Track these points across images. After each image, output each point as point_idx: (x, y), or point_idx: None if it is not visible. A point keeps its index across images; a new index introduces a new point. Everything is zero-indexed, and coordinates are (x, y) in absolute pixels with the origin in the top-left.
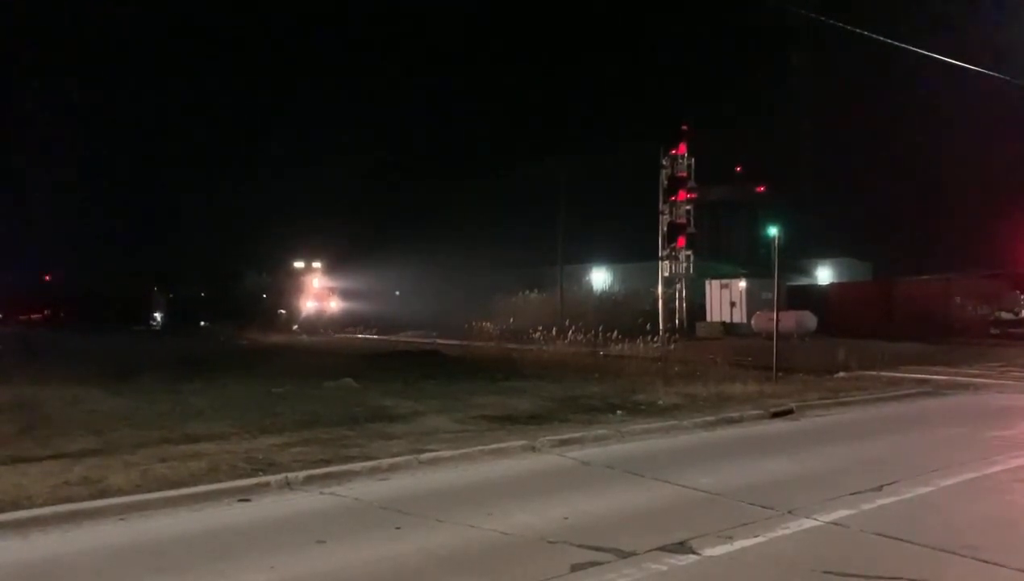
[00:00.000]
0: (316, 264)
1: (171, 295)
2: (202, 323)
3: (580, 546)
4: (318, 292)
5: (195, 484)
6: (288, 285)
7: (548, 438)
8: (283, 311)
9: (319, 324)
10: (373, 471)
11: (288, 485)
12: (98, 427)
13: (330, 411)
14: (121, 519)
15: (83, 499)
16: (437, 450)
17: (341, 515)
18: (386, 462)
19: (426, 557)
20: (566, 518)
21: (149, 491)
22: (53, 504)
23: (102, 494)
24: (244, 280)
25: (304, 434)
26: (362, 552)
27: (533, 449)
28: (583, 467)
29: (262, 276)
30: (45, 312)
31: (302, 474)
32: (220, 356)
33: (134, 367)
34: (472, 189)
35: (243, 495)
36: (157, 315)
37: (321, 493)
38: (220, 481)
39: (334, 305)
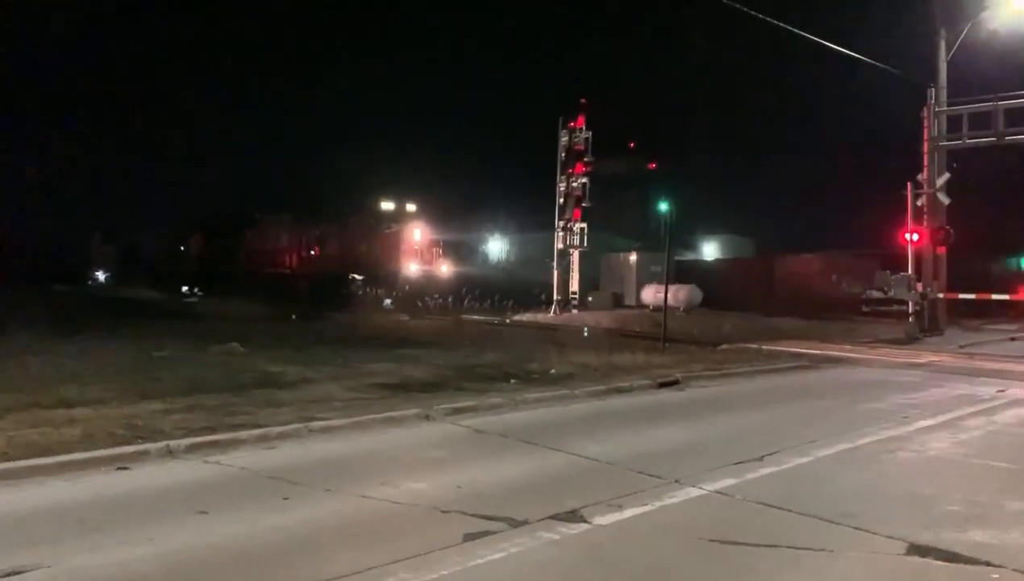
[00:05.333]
0: (411, 207)
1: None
2: (185, 290)
3: (473, 515)
4: (422, 249)
5: (68, 452)
6: (365, 237)
7: (442, 406)
8: (356, 277)
9: (428, 297)
10: (260, 439)
11: (170, 453)
12: None
13: (216, 377)
14: None
15: None
16: (328, 418)
17: (226, 485)
18: (274, 430)
19: (315, 527)
20: (459, 487)
21: (16, 459)
22: None
23: None
24: (269, 226)
25: (188, 400)
26: (247, 523)
27: (427, 418)
28: (477, 436)
29: (317, 222)
30: None
31: (185, 442)
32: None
33: (4, 325)
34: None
35: (121, 463)
36: (100, 274)
37: (205, 462)
38: (96, 449)
39: (445, 270)
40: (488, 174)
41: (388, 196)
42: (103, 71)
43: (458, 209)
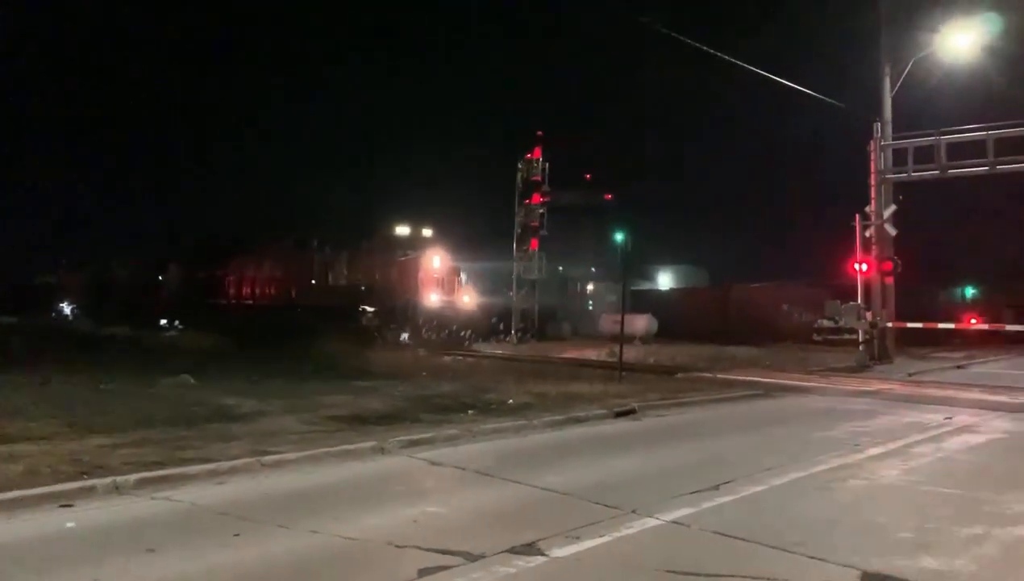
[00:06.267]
0: (427, 232)
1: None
2: (164, 323)
3: (429, 550)
4: (443, 277)
5: (10, 489)
6: (378, 265)
7: (398, 439)
8: (368, 309)
9: (452, 330)
10: (211, 474)
11: (117, 489)
12: None
13: (165, 410)
14: None
15: None
16: (281, 452)
17: (175, 521)
18: (225, 464)
19: (267, 565)
20: (415, 521)
21: None
22: None
23: None
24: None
25: (136, 434)
26: (197, 561)
27: (382, 450)
28: (433, 468)
29: (320, 249)
30: None
31: (133, 477)
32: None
33: None
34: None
35: (65, 501)
36: (65, 306)
37: (153, 498)
38: (39, 485)
39: (468, 300)
40: (440, 205)
41: (403, 220)
42: (71, 82)
43: (476, 235)
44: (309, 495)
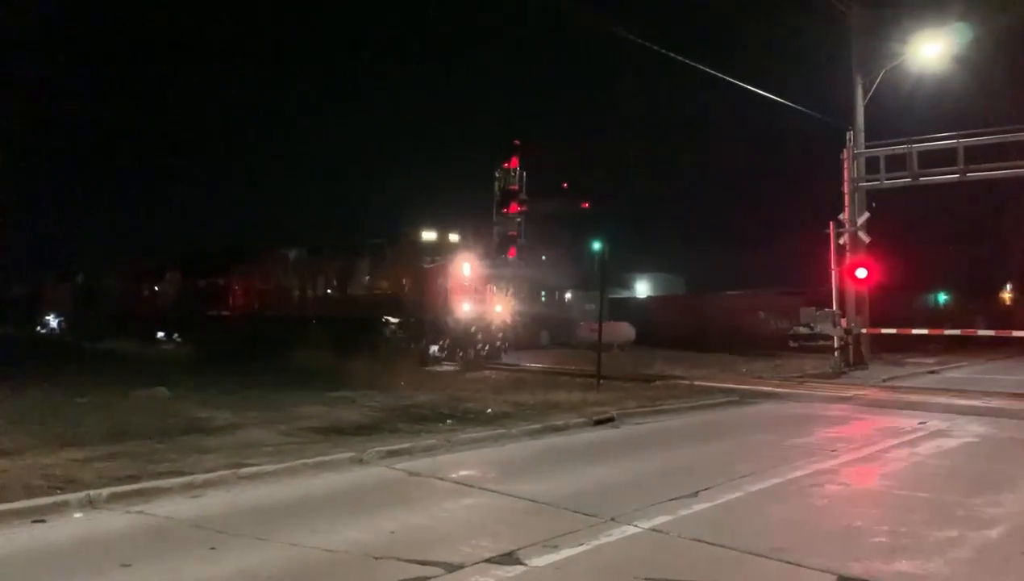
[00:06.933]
0: (454, 237)
1: (83, 286)
2: (161, 335)
3: (407, 561)
4: (473, 285)
5: None
6: (401, 274)
7: (376, 449)
8: (391, 320)
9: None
10: (186, 487)
11: (90, 504)
12: None
13: (140, 423)
14: None
15: None
16: (257, 464)
17: (150, 535)
18: (200, 477)
19: (243, 578)
20: (393, 532)
21: None
22: None
23: None
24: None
25: (110, 448)
26: (173, 575)
27: (360, 461)
28: (411, 479)
29: (335, 256)
30: None
31: (106, 491)
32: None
33: None
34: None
35: (38, 516)
36: (51, 318)
37: (127, 512)
38: (10, 501)
39: (500, 309)
40: (417, 212)
41: (426, 224)
42: (68, 83)
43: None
44: (286, 507)
